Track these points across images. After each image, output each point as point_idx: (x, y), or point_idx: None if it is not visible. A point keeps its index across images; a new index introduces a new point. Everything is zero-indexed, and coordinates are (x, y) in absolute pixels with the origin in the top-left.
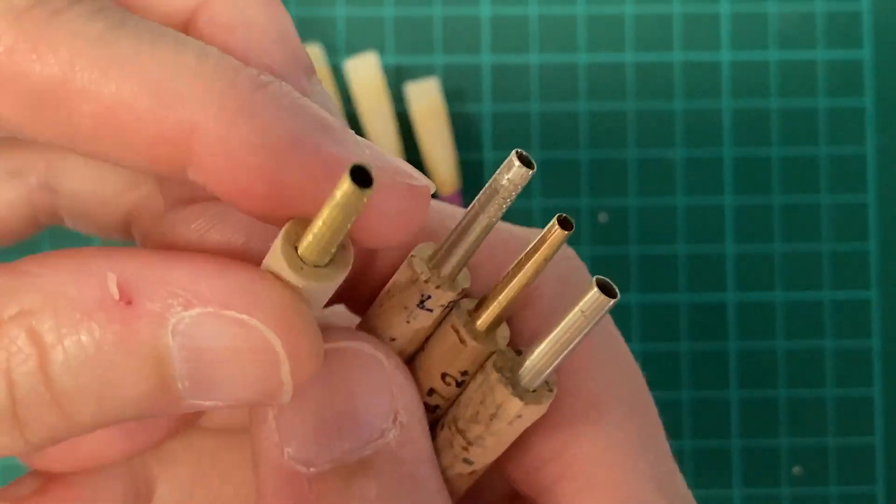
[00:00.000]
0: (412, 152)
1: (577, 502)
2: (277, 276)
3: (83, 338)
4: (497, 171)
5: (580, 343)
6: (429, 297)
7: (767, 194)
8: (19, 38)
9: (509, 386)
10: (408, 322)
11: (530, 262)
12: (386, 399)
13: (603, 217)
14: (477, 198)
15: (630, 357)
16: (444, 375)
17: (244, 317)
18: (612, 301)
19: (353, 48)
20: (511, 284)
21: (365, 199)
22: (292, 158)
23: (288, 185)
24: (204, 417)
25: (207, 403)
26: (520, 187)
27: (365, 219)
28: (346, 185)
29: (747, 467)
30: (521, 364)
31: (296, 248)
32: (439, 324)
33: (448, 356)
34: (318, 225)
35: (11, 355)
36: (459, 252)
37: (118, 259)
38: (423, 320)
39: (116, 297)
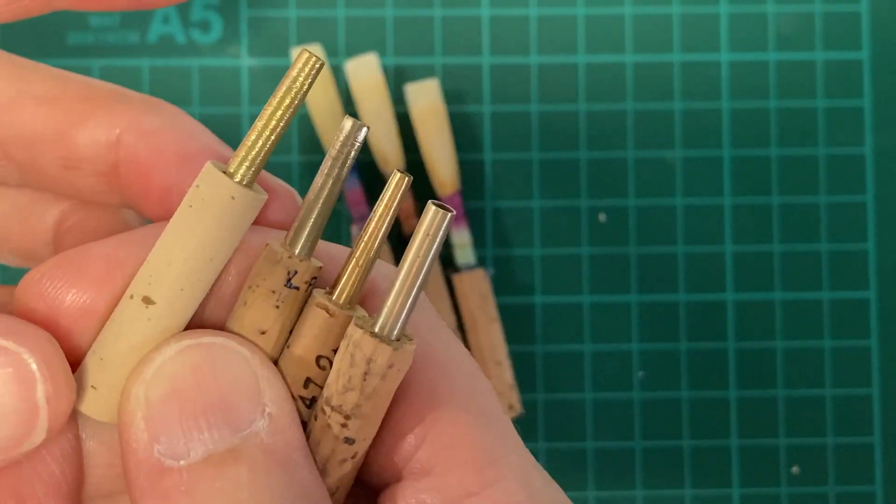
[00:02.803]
0: (413, 153)
1: (436, 463)
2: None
3: None
4: (334, 140)
5: (430, 269)
6: (295, 272)
7: (766, 195)
8: None
9: (375, 337)
10: (277, 307)
11: (377, 214)
12: (252, 391)
13: (602, 217)
14: (319, 170)
15: (451, 333)
16: (318, 359)
17: (1, 341)
18: (451, 214)
19: (354, 49)
20: (363, 244)
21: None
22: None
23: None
24: None
25: None
26: (355, 146)
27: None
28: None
29: (746, 467)
30: (380, 315)
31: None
32: (302, 309)
33: (321, 335)
34: (250, 141)
35: None
36: (310, 225)
37: None
38: (292, 301)
39: None
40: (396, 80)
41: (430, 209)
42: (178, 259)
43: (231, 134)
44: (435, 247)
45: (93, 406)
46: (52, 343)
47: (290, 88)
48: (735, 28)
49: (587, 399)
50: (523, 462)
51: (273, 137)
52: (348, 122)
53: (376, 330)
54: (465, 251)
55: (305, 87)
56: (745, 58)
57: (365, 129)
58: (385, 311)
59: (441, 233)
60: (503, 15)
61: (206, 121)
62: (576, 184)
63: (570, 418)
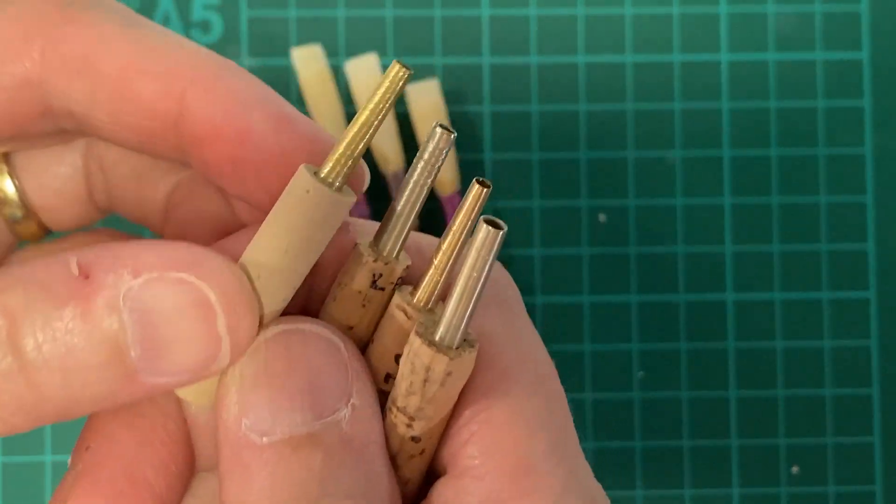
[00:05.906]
0: (413, 153)
1: (476, 464)
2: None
3: (47, 308)
4: (423, 145)
5: (485, 286)
6: (380, 275)
7: (766, 195)
8: (66, 21)
9: (432, 346)
10: (363, 306)
11: (457, 222)
12: (341, 381)
13: (602, 217)
14: (406, 175)
15: (537, 336)
16: (396, 357)
17: (183, 275)
18: (502, 232)
19: (354, 49)
20: (442, 250)
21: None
22: (256, 111)
23: (251, 132)
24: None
25: (160, 381)
26: (443, 154)
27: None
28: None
29: (746, 467)
30: (439, 324)
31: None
32: (386, 307)
33: (399, 335)
34: (341, 147)
35: None
36: (397, 229)
37: (81, 248)
38: (378, 300)
39: (76, 273)
40: None
41: (483, 226)
42: (269, 254)
43: None
44: (488, 265)
45: (192, 391)
46: (232, 273)
47: (381, 98)
48: (735, 28)
49: (587, 399)
50: (564, 476)
51: (361, 146)
52: (438, 131)
53: (437, 338)
54: None
55: (394, 96)
56: (745, 58)
57: (453, 137)
58: (444, 321)
59: (494, 252)
60: (503, 15)
61: None
62: (576, 184)
63: None
